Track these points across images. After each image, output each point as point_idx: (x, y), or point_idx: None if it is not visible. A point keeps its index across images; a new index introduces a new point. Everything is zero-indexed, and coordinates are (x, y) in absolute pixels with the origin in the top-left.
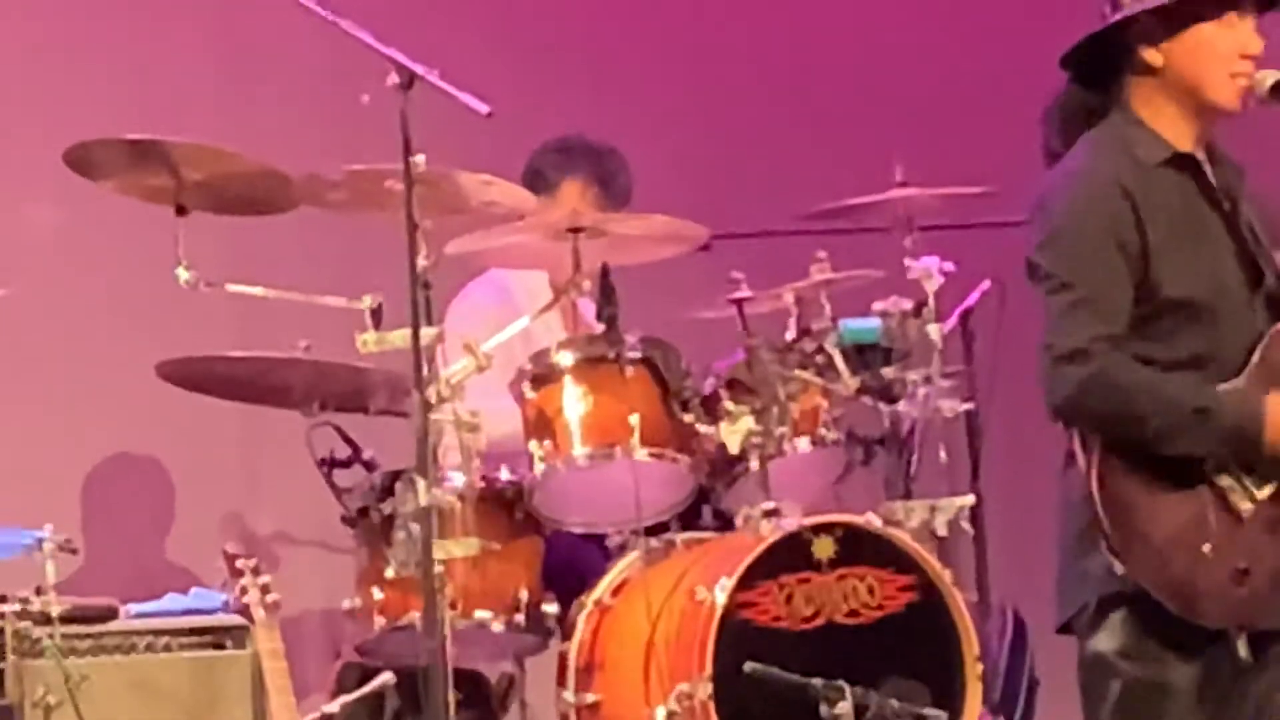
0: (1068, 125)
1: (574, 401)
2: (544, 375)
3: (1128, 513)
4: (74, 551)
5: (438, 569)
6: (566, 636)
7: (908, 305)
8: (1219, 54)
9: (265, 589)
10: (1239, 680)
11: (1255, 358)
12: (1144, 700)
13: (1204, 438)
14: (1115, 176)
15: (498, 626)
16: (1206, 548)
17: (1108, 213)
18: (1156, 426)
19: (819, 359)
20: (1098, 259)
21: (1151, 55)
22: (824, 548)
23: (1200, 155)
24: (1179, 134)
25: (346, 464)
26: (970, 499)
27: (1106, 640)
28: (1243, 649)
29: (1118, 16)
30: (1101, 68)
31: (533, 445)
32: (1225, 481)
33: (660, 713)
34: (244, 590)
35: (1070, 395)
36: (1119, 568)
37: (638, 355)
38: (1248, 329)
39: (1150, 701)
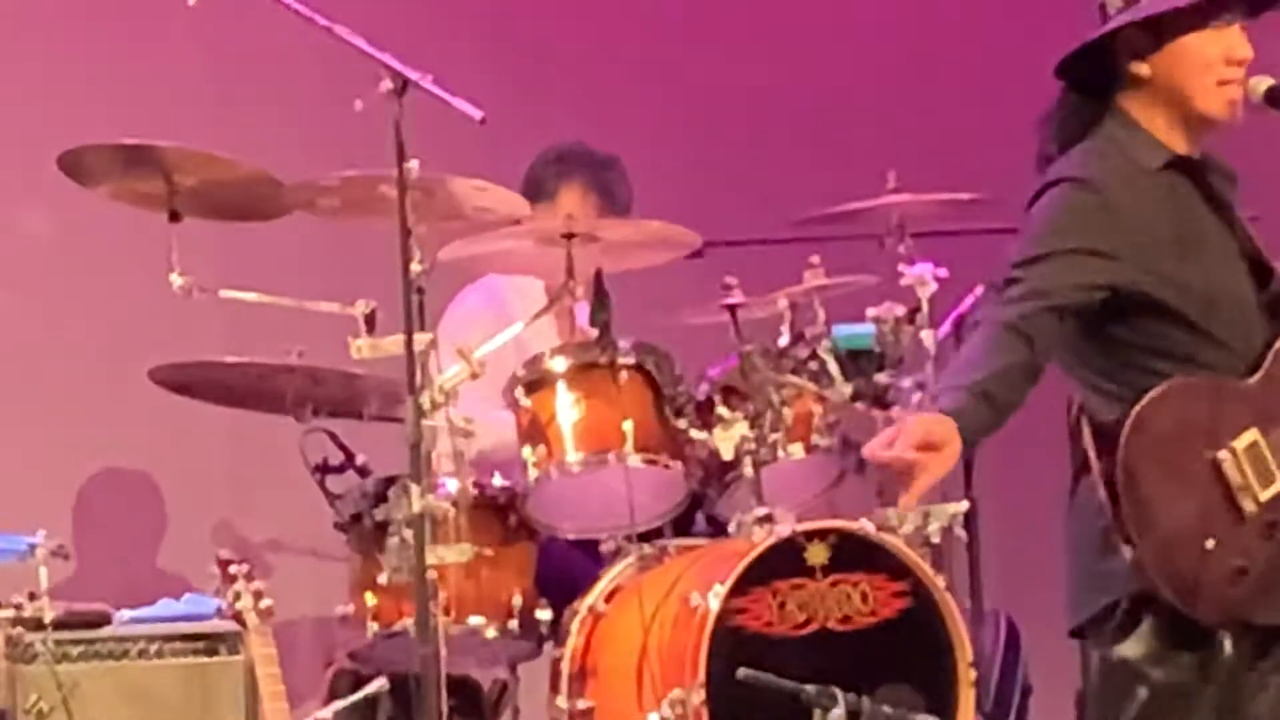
0: (1062, 132)
1: (567, 407)
2: (537, 381)
3: (1144, 502)
4: (67, 557)
5: (431, 575)
6: (560, 643)
7: (901, 311)
8: (1204, 63)
9: (258, 595)
10: (1247, 681)
11: (1270, 360)
12: (1171, 707)
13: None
14: (1102, 185)
15: (491, 633)
16: (1210, 544)
17: (1089, 222)
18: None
19: (812, 365)
20: (1054, 248)
21: (1138, 68)
22: (817, 554)
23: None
24: (1174, 140)
25: (340, 470)
26: (964, 505)
27: (1134, 646)
28: (1228, 648)
29: (1104, 29)
30: (1095, 76)
31: (526, 451)
32: (1236, 479)
33: (653, 719)
34: (237, 596)
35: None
36: (1128, 553)
37: (631, 361)
38: (1256, 331)
39: (1177, 708)
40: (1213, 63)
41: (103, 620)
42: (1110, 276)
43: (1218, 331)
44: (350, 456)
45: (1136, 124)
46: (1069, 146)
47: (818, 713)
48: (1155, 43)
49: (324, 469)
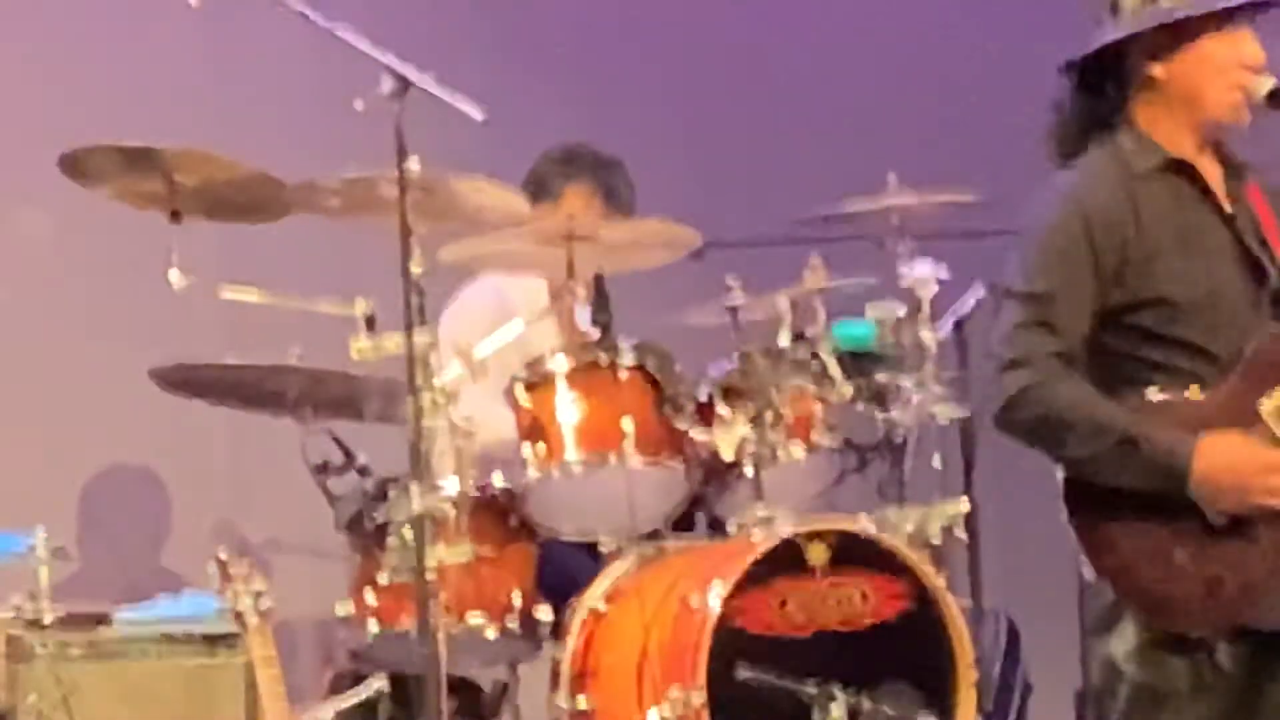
0: (1070, 128)
1: (568, 407)
2: (538, 381)
3: (1097, 522)
4: (67, 557)
5: (431, 575)
6: (560, 642)
7: (902, 311)
8: (1221, 67)
9: (258, 595)
10: (1261, 685)
11: (1244, 358)
12: (1149, 704)
13: (1126, 470)
14: (1098, 199)
15: (491, 632)
16: (1180, 556)
17: (1081, 237)
18: (1078, 445)
19: (813, 365)
20: (1061, 280)
21: (1155, 69)
22: (817, 554)
23: (1199, 161)
24: (1177, 142)
25: (340, 470)
26: (964, 505)
27: (1117, 643)
28: (1225, 659)
29: (1123, 33)
30: (1103, 75)
31: (526, 451)
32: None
33: (653, 718)
34: (237, 596)
35: (1007, 400)
36: (1088, 573)
37: (631, 361)
38: (1250, 329)
39: (1154, 706)
40: (1229, 67)
41: (103, 620)
42: (1094, 304)
43: (1202, 335)
44: (351, 456)
45: (1138, 126)
46: (1072, 140)
47: (817, 712)
48: (1174, 44)
49: (325, 469)
